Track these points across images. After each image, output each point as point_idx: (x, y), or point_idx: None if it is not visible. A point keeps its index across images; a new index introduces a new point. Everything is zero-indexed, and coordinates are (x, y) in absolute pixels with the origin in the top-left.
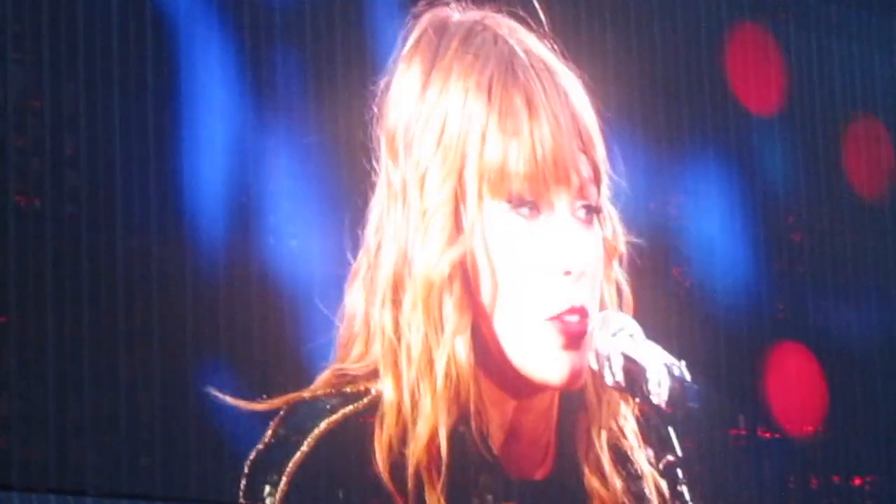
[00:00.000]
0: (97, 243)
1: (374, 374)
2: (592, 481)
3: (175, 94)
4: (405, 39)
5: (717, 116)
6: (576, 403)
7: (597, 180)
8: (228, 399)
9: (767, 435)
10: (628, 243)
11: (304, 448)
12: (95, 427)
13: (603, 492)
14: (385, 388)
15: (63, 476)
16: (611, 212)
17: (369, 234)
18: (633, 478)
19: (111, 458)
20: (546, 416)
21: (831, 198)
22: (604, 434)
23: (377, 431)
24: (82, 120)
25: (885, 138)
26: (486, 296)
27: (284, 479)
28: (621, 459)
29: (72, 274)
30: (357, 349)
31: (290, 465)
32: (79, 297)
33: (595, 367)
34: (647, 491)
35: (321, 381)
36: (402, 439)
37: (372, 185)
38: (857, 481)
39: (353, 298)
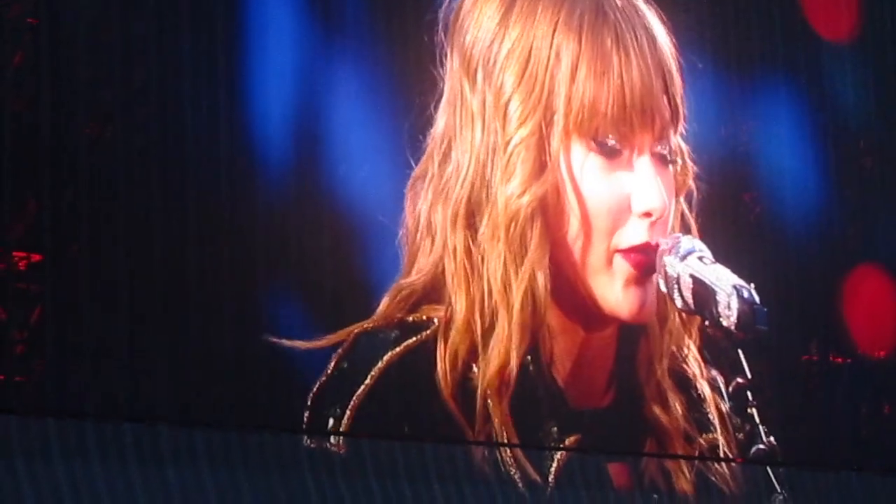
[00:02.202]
0: (167, 174)
1: (436, 289)
2: (653, 408)
3: (243, 24)
4: None
5: (789, 42)
6: (637, 332)
7: (675, 120)
8: (286, 342)
9: (839, 360)
10: (698, 174)
11: (367, 381)
12: (167, 358)
13: (664, 418)
14: (456, 304)
15: (135, 406)
16: (682, 147)
17: (433, 142)
18: (694, 403)
19: (183, 388)
20: (609, 346)
21: None
22: (665, 361)
23: (440, 347)
24: (152, 51)
25: None
26: (566, 230)
27: (348, 412)
28: (683, 385)
29: (143, 205)
30: (420, 261)
31: (354, 398)
32: (150, 228)
33: (664, 289)
34: (709, 416)
35: (384, 307)
36: (468, 359)
37: (433, 91)
38: None
39: (417, 204)
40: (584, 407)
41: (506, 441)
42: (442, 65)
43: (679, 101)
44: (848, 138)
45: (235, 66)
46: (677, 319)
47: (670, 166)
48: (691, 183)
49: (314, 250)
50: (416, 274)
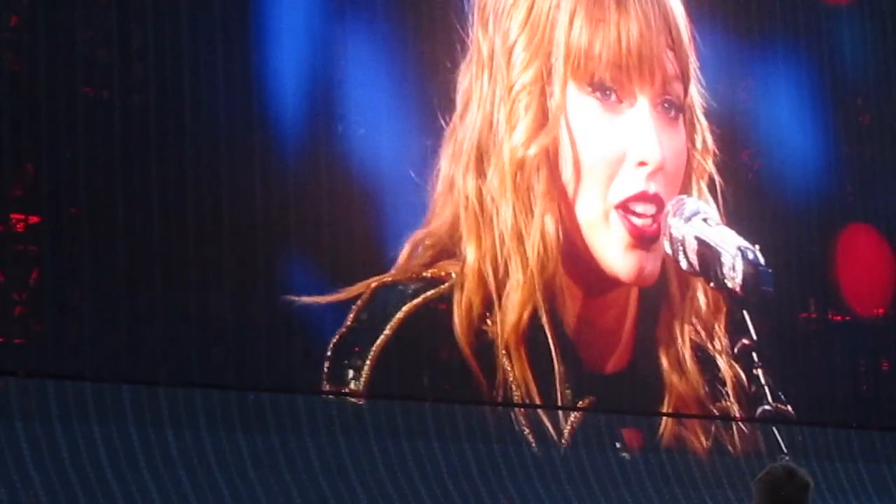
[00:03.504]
0: (165, 135)
1: (454, 241)
2: (671, 376)
3: None
4: None
5: (788, 3)
6: (658, 297)
7: (683, 79)
8: (304, 299)
9: (838, 318)
10: (716, 153)
11: (387, 332)
12: (167, 318)
13: (681, 388)
14: (467, 253)
15: (134, 367)
16: (701, 121)
17: (458, 97)
18: (716, 380)
19: (182, 349)
20: (622, 307)
21: None
22: (687, 329)
23: (456, 295)
24: (150, 11)
25: None
26: (567, 180)
27: (368, 363)
28: (707, 362)
29: (140, 165)
30: (439, 214)
31: (373, 349)
32: (148, 188)
33: (669, 251)
34: (727, 391)
35: (403, 259)
36: (482, 311)
37: (464, 51)
38: None
39: (442, 159)
40: (597, 366)
41: (524, 399)
42: (469, 24)
43: (687, 60)
44: (846, 96)
45: (235, 23)
46: (704, 298)
47: (682, 128)
48: (712, 167)
49: (317, 212)
50: (435, 224)
